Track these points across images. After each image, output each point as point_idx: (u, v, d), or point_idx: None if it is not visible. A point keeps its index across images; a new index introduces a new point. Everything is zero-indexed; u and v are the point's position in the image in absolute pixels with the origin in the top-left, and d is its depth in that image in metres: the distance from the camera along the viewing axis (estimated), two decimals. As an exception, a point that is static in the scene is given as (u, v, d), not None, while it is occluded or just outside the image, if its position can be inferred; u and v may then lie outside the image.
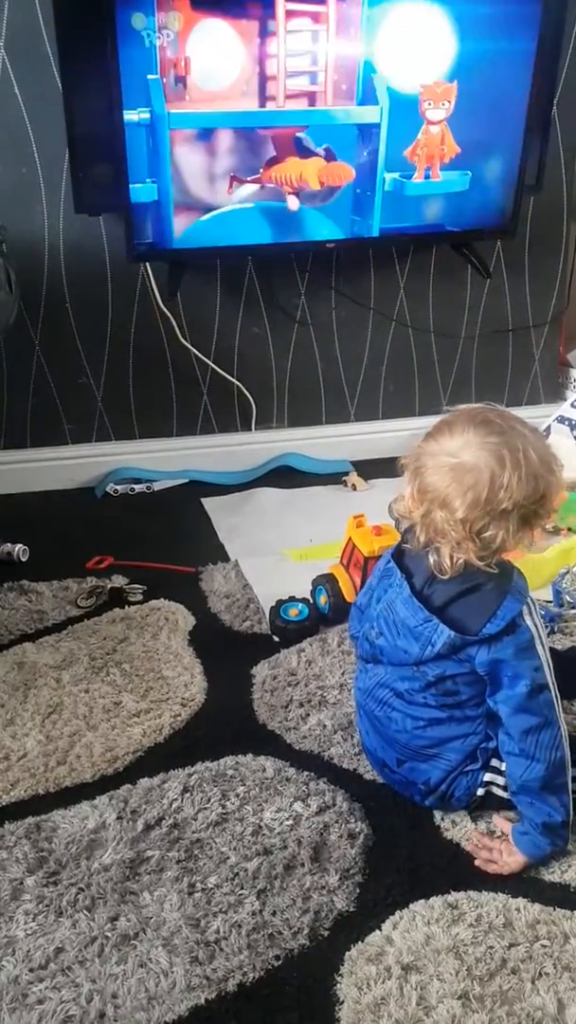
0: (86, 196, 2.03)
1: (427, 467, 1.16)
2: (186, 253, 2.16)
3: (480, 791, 1.26)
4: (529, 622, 1.19)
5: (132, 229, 2.05)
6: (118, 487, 2.35)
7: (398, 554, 1.29)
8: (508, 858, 1.18)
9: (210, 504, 2.32)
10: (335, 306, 2.45)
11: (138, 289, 2.29)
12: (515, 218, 2.35)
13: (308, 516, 2.23)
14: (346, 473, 2.47)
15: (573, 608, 1.72)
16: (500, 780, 1.25)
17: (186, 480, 2.42)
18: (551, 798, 1.17)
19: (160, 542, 2.08)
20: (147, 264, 2.25)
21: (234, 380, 2.44)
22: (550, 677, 1.19)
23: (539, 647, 1.19)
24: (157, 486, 2.38)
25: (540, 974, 1.03)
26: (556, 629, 1.71)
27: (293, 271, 2.39)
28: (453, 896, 1.13)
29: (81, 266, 2.21)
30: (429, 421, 2.53)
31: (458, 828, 1.25)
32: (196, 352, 2.38)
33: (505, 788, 1.24)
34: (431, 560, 1.19)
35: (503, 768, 1.23)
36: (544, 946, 1.06)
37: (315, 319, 2.45)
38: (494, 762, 1.25)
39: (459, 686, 1.22)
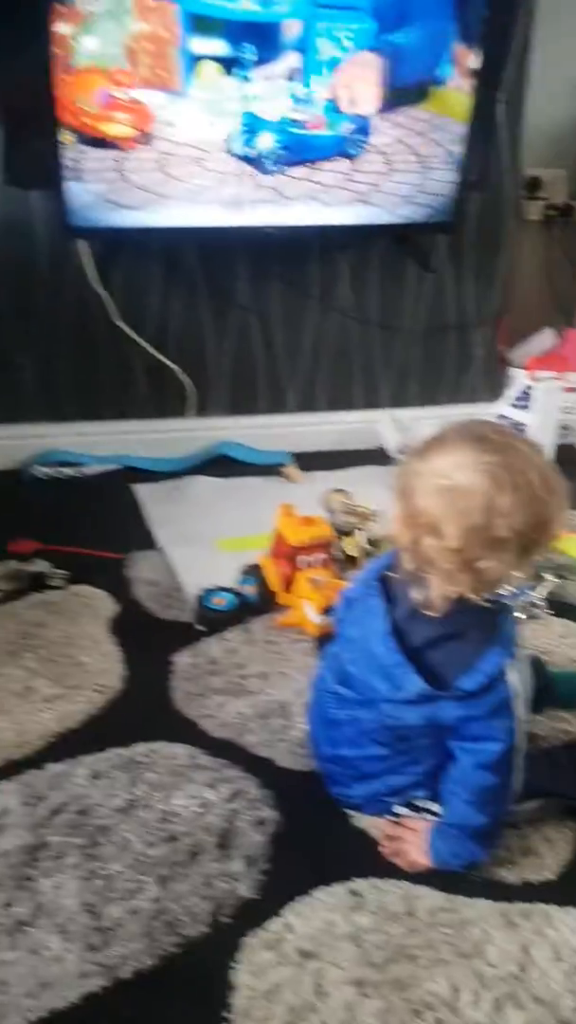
0: (19, 169, 1.98)
1: (416, 489, 1.05)
2: (122, 232, 2.13)
3: (389, 817, 1.22)
4: (512, 677, 1.09)
5: (66, 205, 2.01)
6: (47, 470, 2.31)
7: (383, 579, 1.18)
8: (416, 855, 1.15)
9: (142, 491, 2.28)
10: (276, 293, 2.43)
11: (72, 267, 2.25)
12: (458, 214, 2.36)
13: (242, 506, 2.21)
14: (284, 464, 2.46)
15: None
16: (413, 814, 1.20)
17: (118, 465, 2.39)
18: (482, 843, 1.13)
19: (87, 528, 2.05)
20: (81, 241, 2.21)
21: (171, 364, 2.41)
22: (521, 735, 1.10)
23: (518, 706, 1.09)
24: (88, 470, 2.34)
25: (437, 961, 1.02)
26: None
27: (234, 254, 2.36)
28: (356, 884, 1.12)
29: (11, 240, 2.16)
30: (370, 415, 2.61)
31: (367, 817, 1.24)
32: (131, 333, 2.34)
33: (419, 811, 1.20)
34: (417, 594, 1.10)
35: (420, 804, 1.20)
36: (443, 933, 1.06)
37: (255, 304, 2.43)
38: (416, 802, 1.20)
39: (414, 736, 1.16)
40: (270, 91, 1.98)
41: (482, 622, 1.09)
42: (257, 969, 1.01)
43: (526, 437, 1.10)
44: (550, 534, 1.06)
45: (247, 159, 2.09)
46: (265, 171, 2.10)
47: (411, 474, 1.07)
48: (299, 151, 2.11)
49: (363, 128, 2.12)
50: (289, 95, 2.01)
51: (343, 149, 2.14)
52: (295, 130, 2.07)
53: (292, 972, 1.00)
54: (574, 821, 1.23)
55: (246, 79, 1.95)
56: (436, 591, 1.07)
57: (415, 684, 1.09)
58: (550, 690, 1.46)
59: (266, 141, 2.06)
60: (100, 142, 1.91)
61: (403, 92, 2.12)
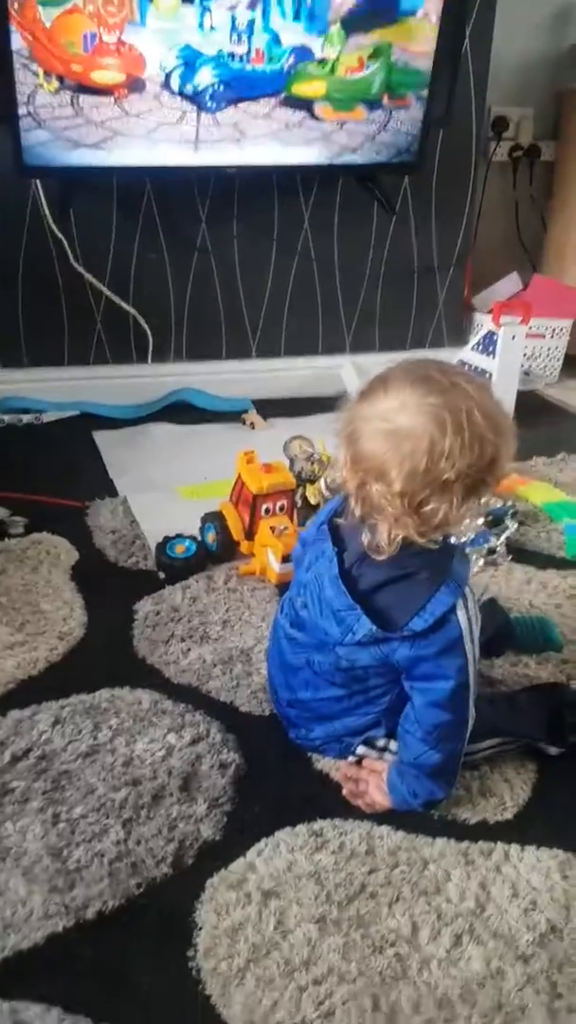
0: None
1: (361, 433, 1.03)
2: (79, 171, 2.07)
3: (350, 758, 1.23)
4: (461, 616, 1.08)
5: (20, 142, 1.94)
6: (4, 417, 2.27)
7: (333, 524, 1.17)
8: (376, 795, 1.17)
9: (101, 438, 2.26)
10: (236, 235, 2.39)
11: (28, 208, 2.18)
12: (422, 153, 2.32)
13: (203, 453, 2.20)
14: (245, 411, 2.44)
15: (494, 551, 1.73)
16: (373, 754, 1.21)
17: (77, 412, 2.35)
18: (439, 780, 1.14)
19: (47, 475, 2.02)
20: (37, 181, 2.15)
21: (130, 309, 2.36)
22: (473, 672, 1.10)
23: (468, 644, 1.09)
24: (46, 417, 2.31)
25: (397, 898, 1.04)
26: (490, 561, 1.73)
27: (193, 196, 2.31)
28: (319, 824, 1.14)
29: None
30: (333, 361, 2.59)
31: (328, 759, 1.25)
32: (90, 278, 2.29)
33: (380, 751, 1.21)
34: (365, 539, 1.09)
35: (380, 744, 1.21)
36: (403, 871, 1.07)
37: (216, 248, 2.39)
38: (377, 740, 1.21)
39: (369, 675, 1.16)
40: (225, 23, 1.90)
41: (431, 563, 1.09)
42: (220, 908, 1.02)
43: (472, 375, 1.07)
44: (496, 474, 1.05)
45: (186, 96, 2.00)
46: (206, 109, 2.03)
47: (356, 418, 1.05)
48: (239, 88, 2.03)
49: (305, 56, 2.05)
50: (229, 27, 1.89)
51: (284, 85, 2.07)
52: (234, 64, 1.97)
53: (255, 911, 1.01)
54: (533, 761, 1.25)
55: (207, 9, 1.88)
56: (383, 535, 1.07)
57: (365, 627, 1.10)
58: (509, 634, 1.48)
59: (204, 76, 1.95)
60: (91, 90, 1.81)
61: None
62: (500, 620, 1.49)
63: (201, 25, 1.86)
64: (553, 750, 1.26)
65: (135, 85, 1.92)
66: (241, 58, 1.94)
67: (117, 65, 1.75)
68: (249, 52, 1.94)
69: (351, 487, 1.07)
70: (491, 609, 1.49)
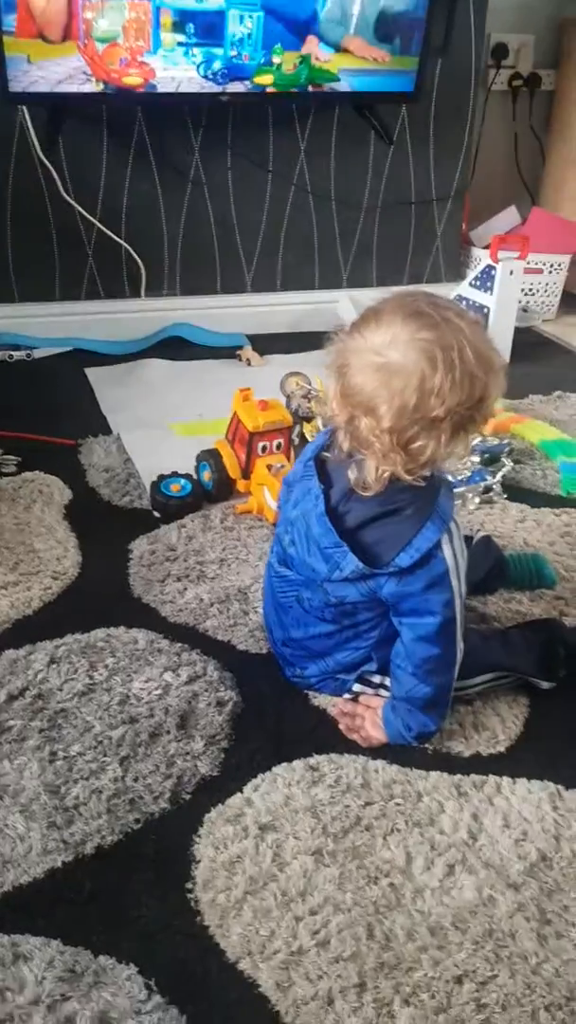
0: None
1: (351, 366, 1.03)
2: (67, 97, 2.00)
3: (346, 695, 1.24)
4: (447, 552, 1.08)
5: (4, 67, 1.88)
6: (-5, 353, 2.24)
7: (320, 460, 1.17)
8: (372, 730, 1.18)
9: (94, 374, 2.23)
10: (231, 166, 2.33)
11: (16, 137, 2.12)
12: (420, 82, 2.25)
13: (198, 390, 2.17)
14: (241, 347, 2.41)
15: (454, 487, 1.72)
16: (369, 691, 1.22)
17: (69, 348, 2.32)
18: (431, 713, 1.15)
19: (38, 412, 2.00)
20: (24, 108, 2.08)
21: (122, 242, 2.32)
22: (459, 607, 1.11)
23: (454, 579, 1.09)
24: (37, 353, 2.28)
25: (392, 830, 1.06)
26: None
27: (186, 124, 2.25)
28: (315, 759, 1.15)
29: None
30: (329, 296, 2.55)
31: (325, 696, 1.26)
32: (80, 210, 2.24)
33: (375, 687, 1.22)
34: (351, 475, 1.08)
35: (375, 681, 1.22)
36: (398, 804, 1.09)
37: (209, 179, 2.33)
38: (372, 677, 1.22)
39: (359, 610, 1.16)
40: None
41: (417, 499, 1.08)
42: (218, 842, 1.04)
43: (464, 310, 1.06)
44: (485, 412, 1.05)
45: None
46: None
47: (347, 350, 1.04)
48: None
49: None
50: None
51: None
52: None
53: (252, 844, 1.03)
54: (525, 696, 1.26)
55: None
56: (370, 471, 1.06)
57: (352, 564, 1.10)
58: (502, 572, 1.48)
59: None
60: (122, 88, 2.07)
61: None
62: (494, 557, 1.49)
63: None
64: (545, 685, 1.27)
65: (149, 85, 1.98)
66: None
67: (139, 73, 2.07)
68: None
69: (340, 421, 1.07)
70: (486, 547, 1.49)
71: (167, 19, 2.01)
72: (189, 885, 0.99)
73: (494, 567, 1.47)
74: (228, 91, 2.11)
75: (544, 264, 2.68)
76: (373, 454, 1.05)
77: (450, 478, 1.70)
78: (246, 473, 1.70)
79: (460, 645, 1.13)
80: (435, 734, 1.18)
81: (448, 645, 1.12)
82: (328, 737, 1.19)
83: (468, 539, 1.46)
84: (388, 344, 1.00)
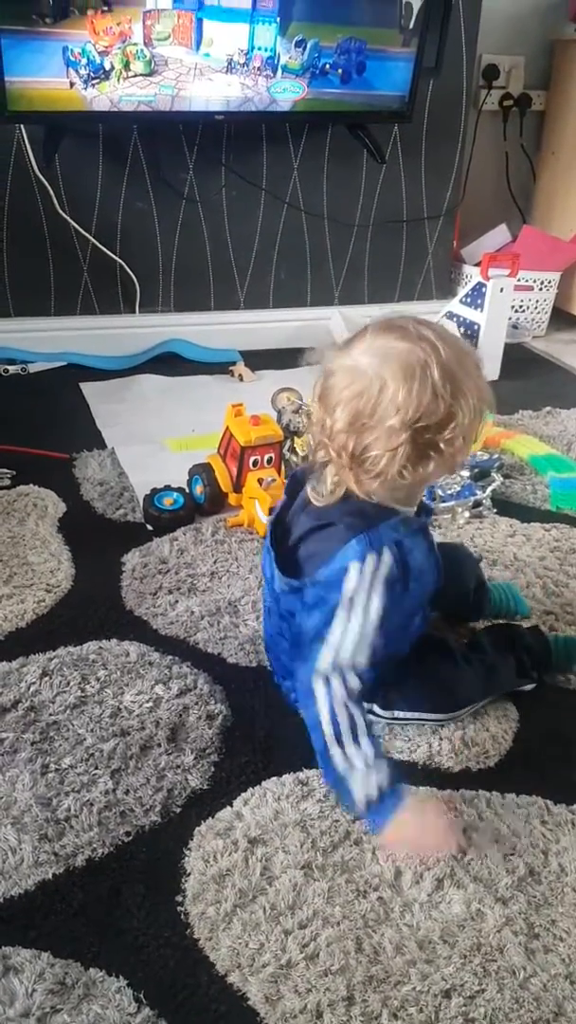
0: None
1: (331, 369, 1.05)
2: (64, 116, 2.02)
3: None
4: (352, 575, 1.02)
5: (4, 85, 1.90)
6: (-10, 367, 2.25)
7: (301, 473, 1.17)
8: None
9: (89, 389, 2.24)
10: (225, 184, 2.36)
11: (13, 153, 2.14)
12: (412, 102, 2.28)
13: (191, 405, 2.19)
14: (233, 363, 2.42)
15: (443, 502, 1.74)
16: None
17: (64, 363, 2.33)
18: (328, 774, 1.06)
19: (33, 426, 2.01)
20: (22, 126, 2.10)
21: (117, 258, 2.34)
22: (343, 653, 1.02)
23: (342, 612, 1.02)
24: (33, 368, 2.29)
25: (380, 844, 1.06)
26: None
27: (181, 143, 2.27)
28: (305, 773, 1.15)
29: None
30: (321, 313, 2.57)
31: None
32: (76, 226, 2.26)
33: None
34: (309, 487, 1.10)
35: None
36: (387, 819, 1.10)
37: (204, 197, 2.35)
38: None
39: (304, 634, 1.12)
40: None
41: (354, 515, 1.05)
42: (208, 855, 1.04)
43: (454, 338, 1.05)
44: (448, 439, 1.01)
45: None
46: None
47: (332, 357, 1.07)
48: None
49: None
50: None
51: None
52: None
53: (241, 858, 1.04)
54: (515, 712, 1.27)
55: None
56: (328, 479, 1.06)
57: (279, 576, 1.12)
58: (486, 600, 1.46)
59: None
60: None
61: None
62: (479, 586, 1.43)
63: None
64: (527, 688, 1.29)
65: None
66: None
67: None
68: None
69: (315, 423, 1.07)
70: (473, 576, 1.43)
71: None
72: (179, 898, 1.00)
73: (478, 597, 1.43)
74: (222, 110, 2.13)
75: (534, 281, 2.71)
76: (329, 458, 1.05)
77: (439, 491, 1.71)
78: (238, 487, 1.71)
79: (340, 678, 1.02)
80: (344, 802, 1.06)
81: (307, 700, 1.03)
82: (318, 751, 1.20)
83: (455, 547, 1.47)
84: (361, 351, 1.03)
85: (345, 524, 1.06)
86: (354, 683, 1.03)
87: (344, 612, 1.04)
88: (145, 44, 2.00)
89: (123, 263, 2.35)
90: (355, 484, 1.04)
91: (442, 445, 1.02)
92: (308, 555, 1.10)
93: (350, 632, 1.03)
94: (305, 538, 1.11)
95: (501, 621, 1.43)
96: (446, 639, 1.31)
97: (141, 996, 0.90)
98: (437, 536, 1.67)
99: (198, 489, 1.74)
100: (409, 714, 1.22)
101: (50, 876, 1.02)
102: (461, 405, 1.01)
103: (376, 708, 1.21)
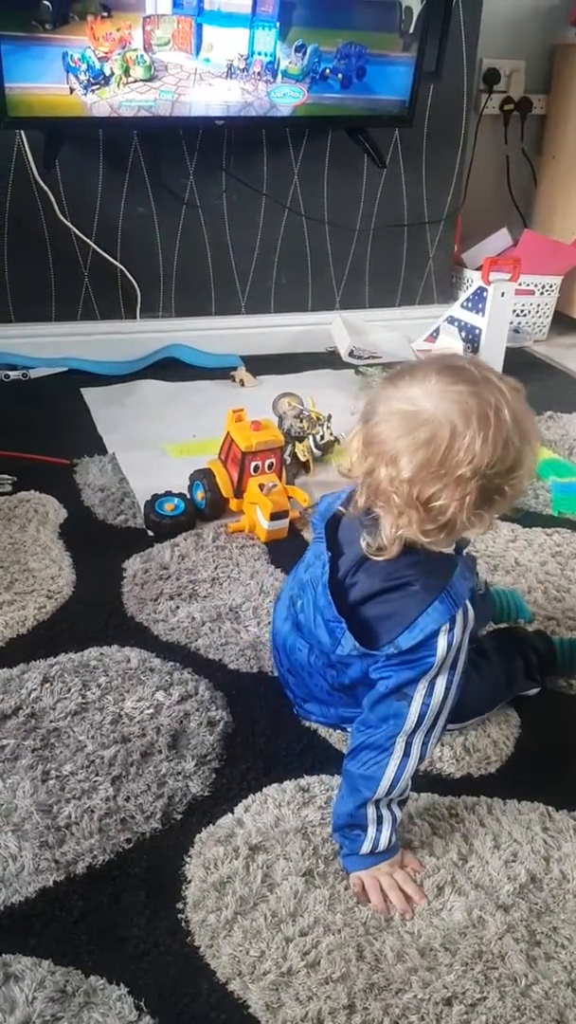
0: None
1: (378, 414, 0.96)
2: (64, 122, 2.03)
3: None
4: (441, 643, 0.99)
5: (4, 92, 1.90)
6: (-8, 373, 2.26)
7: (333, 522, 1.11)
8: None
9: (90, 395, 2.24)
10: (225, 189, 2.36)
11: (13, 159, 2.14)
12: (412, 106, 2.28)
13: (192, 411, 2.19)
14: (235, 368, 2.42)
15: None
16: None
17: (65, 368, 2.33)
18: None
19: (34, 432, 2.01)
20: (23, 132, 2.11)
21: (118, 264, 2.34)
22: (438, 716, 1.02)
23: (440, 679, 1.00)
24: (34, 373, 2.29)
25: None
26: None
27: (181, 148, 2.28)
28: (306, 780, 1.15)
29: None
30: (322, 317, 2.57)
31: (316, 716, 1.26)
32: (76, 232, 2.26)
33: None
34: (364, 541, 1.01)
35: None
36: (388, 826, 1.09)
37: (204, 202, 2.35)
38: None
39: (356, 686, 1.10)
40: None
41: (428, 574, 1.01)
42: (208, 862, 1.04)
43: (506, 377, 0.98)
44: (515, 484, 0.97)
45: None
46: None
47: (376, 399, 0.98)
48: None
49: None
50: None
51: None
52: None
53: (242, 865, 1.03)
54: (517, 718, 1.27)
55: None
56: (385, 529, 0.99)
57: (349, 643, 1.05)
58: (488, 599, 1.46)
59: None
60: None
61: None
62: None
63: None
64: (533, 692, 1.30)
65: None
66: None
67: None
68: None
69: (358, 472, 1.00)
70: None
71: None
72: (180, 905, 1.00)
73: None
74: (222, 115, 2.14)
75: (535, 285, 2.71)
76: (389, 509, 0.97)
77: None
78: (238, 492, 1.71)
79: (419, 751, 1.02)
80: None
81: (408, 748, 1.01)
82: (319, 757, 1.20)
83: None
84: (421, 395, 0.94)
85: (421, 585, 1.01)
86: (429, 753, 1.04)
87: (442, 677, 1.01)
88: (145, 49, 2.00)
89: (124, 268, 2.35)
90: (421, 535, 0.97)
91: (507, 489, 0.97)
92: (380, 616, 1.04)
93: (440, 694, 1.01)
94: (372, 598, 1.05)
95: (503, 626, 1.43)
96: None
97: (142, 1004, 0.89)
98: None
99: (199, 495, 1.74)
100: None
101: (51, 883, 1.01)
102: (529, 449, 0.96)
103: None
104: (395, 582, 1.02)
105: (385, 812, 1.03)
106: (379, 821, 1.03)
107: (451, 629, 1.00)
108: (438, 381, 0.94)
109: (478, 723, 1.25)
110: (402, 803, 1.05)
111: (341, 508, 1.10)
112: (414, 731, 1.01)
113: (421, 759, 1.03)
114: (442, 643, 1.00)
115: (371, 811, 1.02)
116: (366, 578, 1.05)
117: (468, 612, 1.02)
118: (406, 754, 1.01)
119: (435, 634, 0.99)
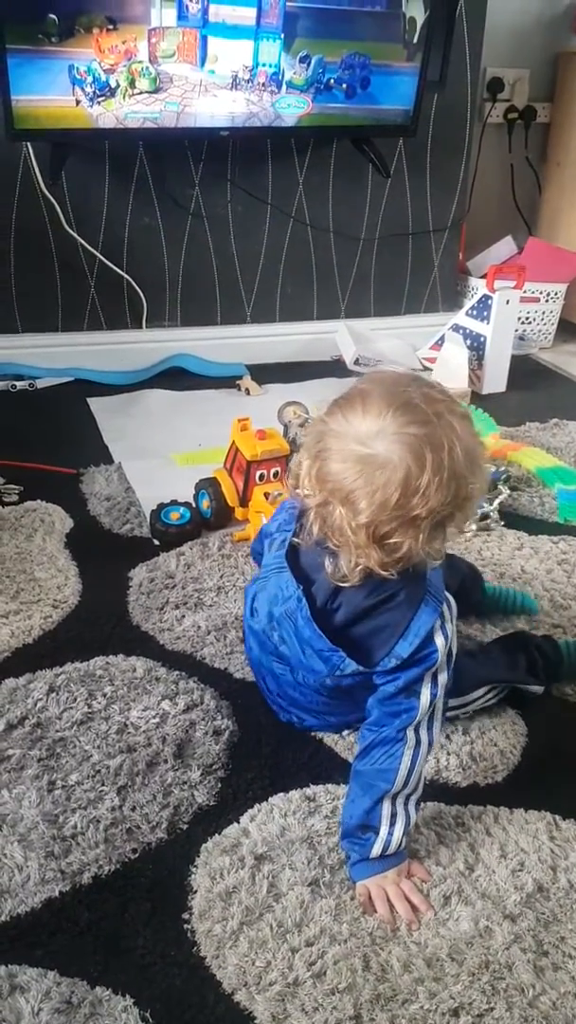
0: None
1: (331, 451, 0.96)
2: (70, 133, 2.04)
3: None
4: (439, 641, 1.03)
5: (10, 104, 1.91)
6: (-2, 383, 2.26)
7: (291, 551, 1.12)
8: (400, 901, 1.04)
9: (96, 404, 2.25)
10: (231, 199, 2.37)
11: (20, 170, 2.16)
12: (417, 116, 2.29)
13: (198, 420, 2.19)
14: (240, 377, 2.43)
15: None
16: None
17: (71, 378, 2.34)
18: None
19: (41, 442, 2.02)
20: (29, 144, 2.12)
21: (123, 274, 2.35)
22: (441, 701, 1.06)
23: (442, 673, 1.04)
24: (40, 383, 2.30)
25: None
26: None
27: (187, 159, 2.29)
28: (312, 789, 1.15)
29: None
30: (328, 326, 2.58)
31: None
32: (82, 242, 2.28)
33: None
34: (328, 568, 1.04)
35: None
36: (395, 835, 1.09)
37: (209, 212, 2.36)
38: None
39: (354, 690, 1.12)
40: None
41: (407, 581, 1.03)
42: (214, 872, 1.04)
43: (454, 402, 0.99)
44: (466, 511, 1.00)
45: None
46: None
47: (327, 434, 0.98)
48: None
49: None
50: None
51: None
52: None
53: (248, 875, 1.03)
54: (523, 726, 1.27)
55: None
56: (345, 564, 1.01)
57: (352, 666, 1.07)
58: (476, 581, 1.48)
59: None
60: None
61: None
62: (462, 570, 1.46)
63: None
64: (536, 689, 1.29)
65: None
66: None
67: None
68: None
69: (312, 503, 1.00)
70: (472, 578, 1.48)
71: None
72: (185, 915, 1.00)
73: (467, 577, 1.46)
74: (227, 126, 2.15)
75: (541, 293, 2.71)
76: (346, 546, 0.99)
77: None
78: (244, 501, 1.72)
79: (428, 737, 1.05)
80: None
81: (418, 736, 1.04)
82: (325, 767, 1.19)
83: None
84: (374, 435, 0.94)
85: (405, 594, 1.04)
86: (437, 735, 1.07)
87: (444, 671, 1.05)
88: (150, 62, 2.01)
89: (130, 279, 2.36)
90: (379, 568, 0.99)
91: (458, 515, 1.00)
92: (371, 632, 1.06)
93: (444, 682, 1.05)
94: (360, 619, 1.07)
95: (511, 630, 1.42)
96: None
97: (147, 1015, 0.89)
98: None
99: (204, 504, 1.74)
100: None
101: (56, 894, 1.01)
102: (480, 476, 0.99)
103: None
104: (380, 596, 1.05)
105: (400, 810, 1.04)
106: (393, 820, 1.03)
107: (443, 624, 1.04)
108: (392, 421, 0.94)
109: (481, 730, 1.25)
110: (417, 805, 1.06)
111: (295, 540, 1.10)
112: (421, 719, 1.05)
113: (431, 745, 1.06)
114: (440, 640, 1.04)
115: (387, 808, 1.03)
116: (349, 600, 1.07)
117: (450, 602, 1.07)
118: (418, 742, 1.04)
119: (430, 635, 1.03)
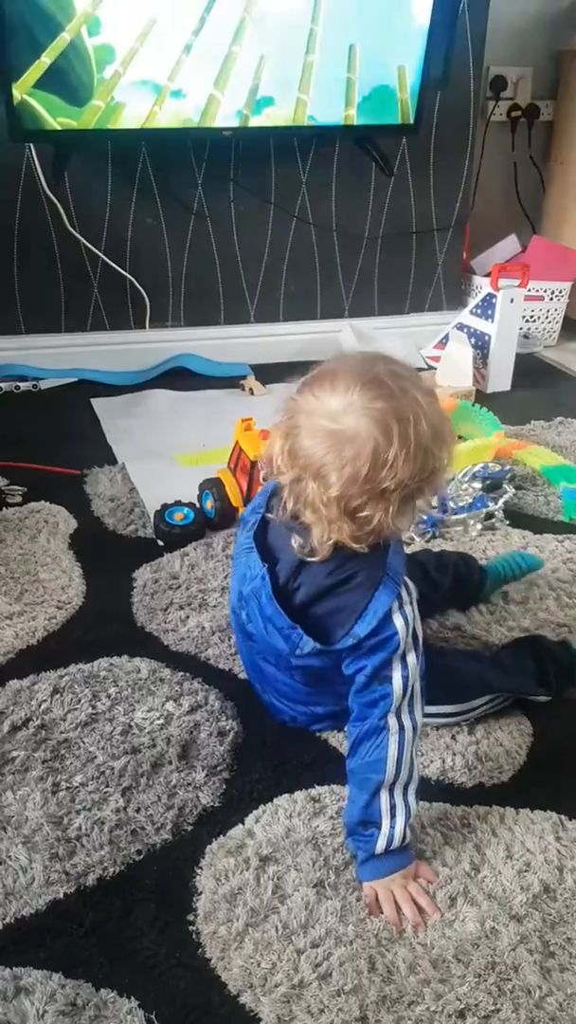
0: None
1: (302, 428, 0.98)
2: (73, 135, 2.04)
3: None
4: (398, 623, 1.04)
5: (13, 106, 1.91)
6: (2, 384, 2.26)
7: (261, 529, 1.13)
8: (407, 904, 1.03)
9: (100, 405, 2.25)
10: (233, 199, 2.37)
11: (23, 171, 2.16)
12: (420, 114, 2.28)
13: (202, 420, 2.19)
14: (244, 377, 2.42)
15: (455, 514, 1.73)
16: None
17: (75, 379, 2.34)
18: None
19: (44, 443, 2.02)
20: (31, 145, 2.12)
21: (127, 274, 2.35)
22: (416, 684, 1.06)
23: (410, 653, 1.05)
24: (44, 384, 2.30)
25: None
26: (437, 534, 1.72)
27: (189, 159, 2.28)
28: (317, 790, 1.15)
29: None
30: (332, 325, 2.57)
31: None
32: (85, 242, 2.27)
33: None
34: (295, 543, 1.05)
35: None
36: (400, 836, 1.09)
37: (212, 212, 2.36)
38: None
39: (327, 674, 1.13)
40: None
41: (367, 563, 1.05)
42: (219, 874, 1.03)
43: (420, 379, 1.02)
44: (435, 485, 1.02)
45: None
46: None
47: (298, 411, 1.00)
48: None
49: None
50: None
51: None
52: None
53: (253, 876, 1.03)
54: (529, 727, 1.26)
55: None
56: (316, 537, 1.03)
57: (309, 644, 1.08)
58: (470, 572, 1.48)
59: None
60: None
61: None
62: (476, 574, 1.48)
63: None
64: (543, 698, 1.28)
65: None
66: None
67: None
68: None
69: (286, 480, 1.02)
70: (467, 566, 1.48)
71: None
72: (190, 917, 0.99)
73: (458, 565, 1.46)
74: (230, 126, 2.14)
75: (545, 291, 2.70)
76: (319, 520, 1.01)
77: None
78: (248, 501, 1.71)
79: (410, 721, 1.05)
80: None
81: (400, 722, 1.04)
82: (330, 768, 1.19)
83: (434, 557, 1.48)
84: (343, 410, 0.96)
85: (364, 575, 1.05)
86: (420, 719, 1.06)
87: (411, 652, 1.05)
88: (153, 62, 2.01)
89: (133, 279, 2.36)
90: (351, 540, 1.01)
91: (427, 488, 1.02)
92: (331, 612, 1.07)
93: (413, 664, 1.05)
94: (320, 598, 1.08)
95: (517, 632, 1.42)
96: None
97: (152, 1017, 0.89)
98: (448, 547, 1.67)
99: (208, 504, 1.74)
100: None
101: (61, 895, 1.01)
102: (446, 451, 1.00)
103: None
104: (339, 577, 1.06)
105: (399, 801, 1.03)
106: (393, 812, 1.03)
107: (401, 607, 1.05)
108: (359, 396, 0.96)
109: (487, 731, 1.24)
110: (416, 795, 1.05)
111: (268, 515, 1.11)
112: (399, 704, 1.04)
113: (415, 729, 1.05)
114: (398, 621, 1.04)
115: (385, 800, 1.03)
116: (310, 579, 1.08)
117: (409, 585, 1.07)
118: (401, 727, 1.04)
119: (388, 615, 1.04)
